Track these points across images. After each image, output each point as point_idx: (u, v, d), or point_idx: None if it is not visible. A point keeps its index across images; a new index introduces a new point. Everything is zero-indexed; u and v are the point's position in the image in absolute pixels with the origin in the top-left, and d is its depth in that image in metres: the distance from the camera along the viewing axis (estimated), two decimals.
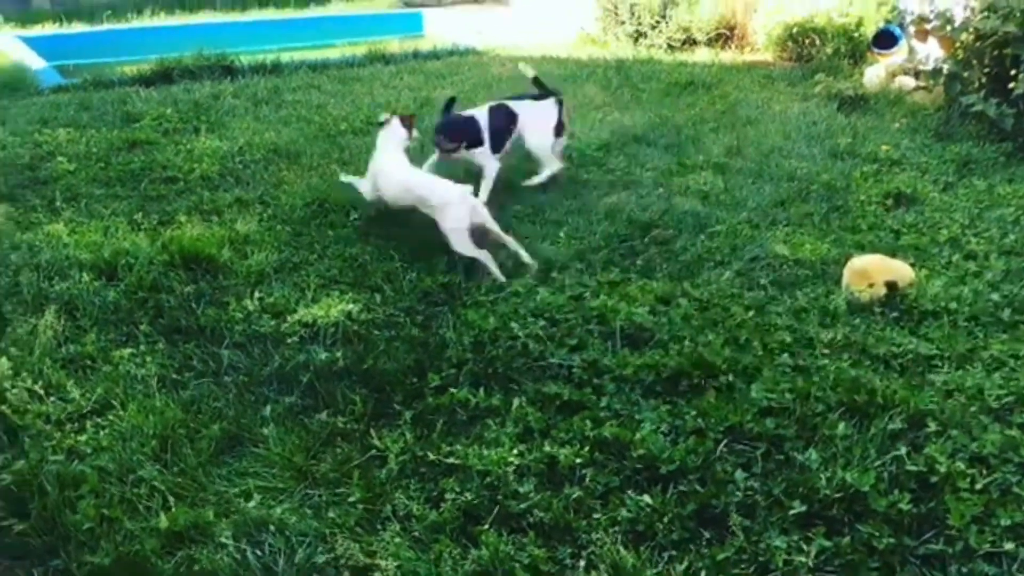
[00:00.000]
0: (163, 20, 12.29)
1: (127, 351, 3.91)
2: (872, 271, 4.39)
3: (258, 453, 3.30)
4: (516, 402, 3.54)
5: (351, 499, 3.04)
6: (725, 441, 3.27)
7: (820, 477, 3.03)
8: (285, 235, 5.17)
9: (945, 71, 7.10)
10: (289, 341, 4.02)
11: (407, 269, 4.73)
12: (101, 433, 3.35)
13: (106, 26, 11.84)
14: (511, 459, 3.18)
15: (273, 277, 4.64)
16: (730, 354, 3.85)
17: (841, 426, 3.34)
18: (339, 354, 3.89)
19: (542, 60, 9.96)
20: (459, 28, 12.40)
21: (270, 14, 12.86)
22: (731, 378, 3.70)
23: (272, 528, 2.91)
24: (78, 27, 11.76)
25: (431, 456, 3.21)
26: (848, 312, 4.26)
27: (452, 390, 3.64)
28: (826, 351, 3.91)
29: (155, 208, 5.55)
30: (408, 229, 5.19)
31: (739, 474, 3.11)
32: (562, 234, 5.18)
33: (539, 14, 12.45)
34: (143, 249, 4.83)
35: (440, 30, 12.76)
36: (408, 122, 5.34)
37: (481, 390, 3.64)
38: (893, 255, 4.78)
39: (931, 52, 7.46)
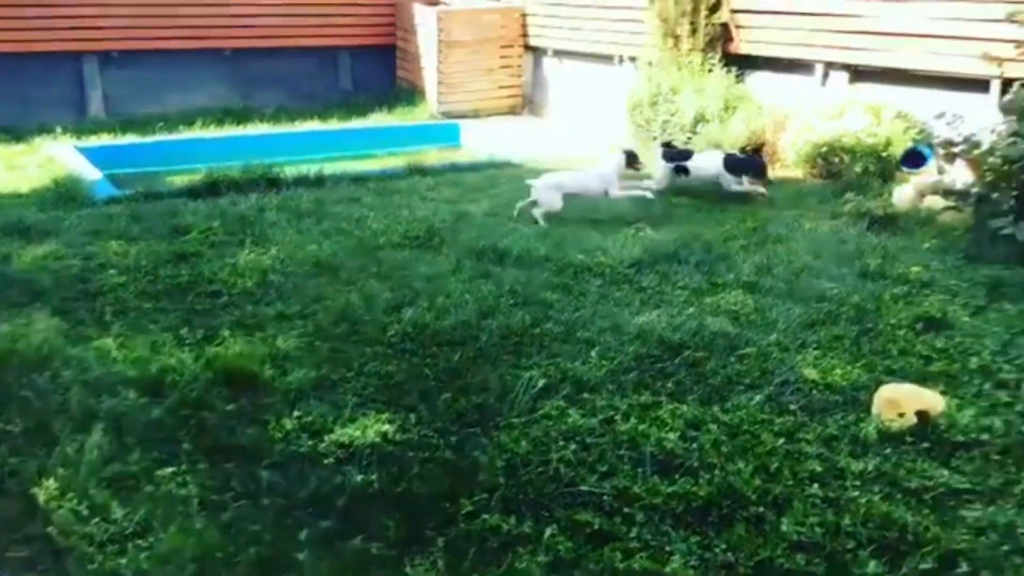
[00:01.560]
0: (213, 132, 12.81)
1: (169, 470, 4.02)
2: (902, 400, 4.43)
3: None
4: (548, 531, 3.59)
5: None
6: None
7: None
8: (324, 352, 5.31)
9: (973, 193, 7.21)
10: (326, 462, 4.11)
11: (441, 388, 4.84)
12: (141, 556, 3.43)
13: (158, 136, 12.36)
14: None
15: (311, 395, 4.76)
16: (760, 483, 3.89)
17: (872, 564, 3.35)
18: (374, 477, 3.97)
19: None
20: (495, 139, 12.78)
21: (315, 126, 13.36)
22: (761, 509, 3.73)
23: None
24: (132, 138, 12.28)
25: None
26: (879, 441, 4.28)
27: (484, 516, 3.69)
28: (857, 483, 3.93)
29: (200, 322, 5.73)
30: (444, 348, 5.33)
31: None
32: (594, 354, 5.27)
33: (573, 127, 12.82)
34: (188, 366, 4.99)
35: (476, 141, 13.16)
36: (633, 157, 8.70)
37: (513, 517, 3.69)
38: (923, 382, 4.81)
39: (958, 174, 7.59)
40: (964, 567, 3.30)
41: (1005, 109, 7.23)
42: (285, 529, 3.63)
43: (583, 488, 3.88)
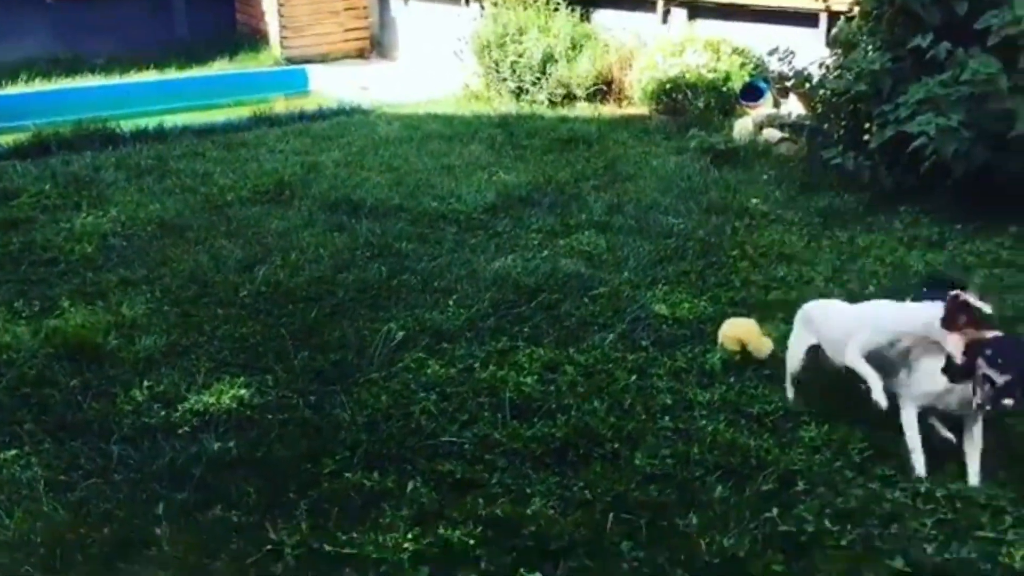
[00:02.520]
0: (39, 85, 12.02)
1: (11, 453, 3.84)
2: (742, 335, 4.64)
3: (151, 555, 3.28)
4: (411, 484, 3.63)
5: None
6: (612, 512, 3.43)
7: (700, 543, 3.21)
8: (173, 317, 5.14)
9: (806, 125, 7.55)
10: (180, 432, 4.02)
11: (298, 347, 4.78)
12: None
13: None
14: (406, 545, 3.26)
15: (162, 363, 4.62)
16: (615, 421, 4.04)
17: (719, 489, 3.54)
18: (232, 443, 3.90)
19: (428, 118, 10.14)
20: (345, 84, 12.50)
21: (151, 76, 12.70)
22: (616, 445, 3.88)
23: None
24: None
25: (327, 547, 3.26)
26: (723, 371, 4.49)
27: (347, 474, 3.70)
28: (704, 412, 4.13)
29: (36, 293, 5.44)
30: (299, 305, 5.25)
31: (626, 544, 3.27)
32: (451, 302, 5.30)
33: (424, 70, 12.65)
34: (25, 341, 4.75)
35: (326, 86, 12.83)
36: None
37: (375, 472, 3.71)
38: (764, 310, 5.07)
39: (792, 107, 7.92)
40: (801, 485, 3.54)
41: (831, 43, 7.57)
42: (140, 504, 3.54)
43: (444, 439, 3.94)
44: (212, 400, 4.24)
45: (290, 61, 13.77)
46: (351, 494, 3.59)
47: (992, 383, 3.31)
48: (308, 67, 13.65)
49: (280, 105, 11.08)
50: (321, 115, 10.42)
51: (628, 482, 3.59)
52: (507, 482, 3.64)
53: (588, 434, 3.93)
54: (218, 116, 10.44)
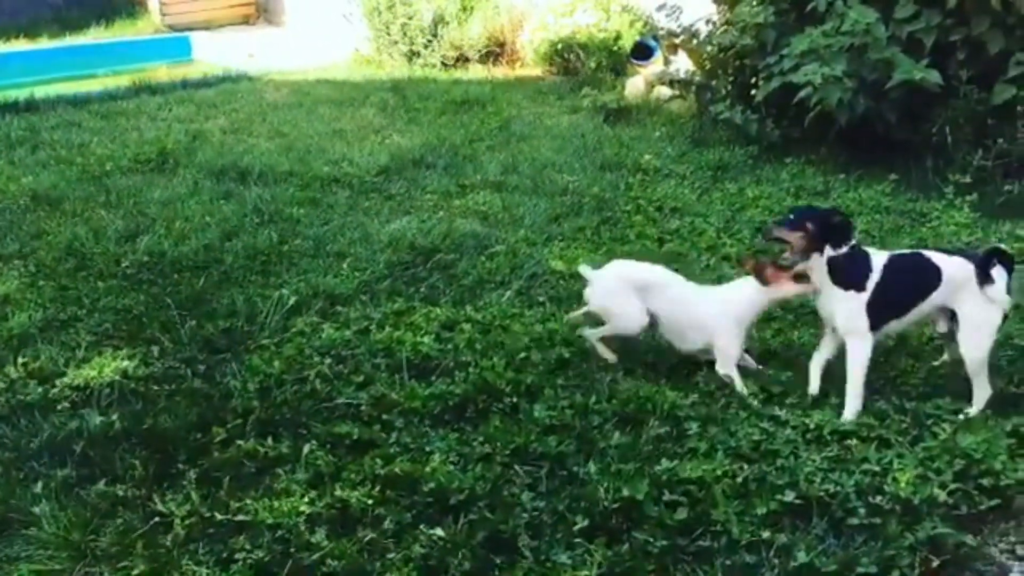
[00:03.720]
0: None
1: None
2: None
3: (30, 535, 3.12)
4: (306, 448, 3.54)
5: (135, 572, 2.94)
6: (512, 464, 3.41)
7: (599, 490, 3.22)
8: (49, 291, 4.89)
9: (695, 82, 7.64)
10: (59, 408, 3.82)
11: (185, 317, 4.60)
12: None
13: None
14: (302, 508, 3.18)
15: (38, 339, 4.39)
16: (513, 375, 4.01)
17: (616, 436, 3.56)
18: (115, 417, 3.74)
19: (318, 83, 9.90)
20: (230, 52, 12.08)
21: (21, 45, 12.04)
22: (515, 399, 3.86)
23: None
24: None
25: (219, 516, 3.15)
26: None
27: (239, 442, 3.58)
28: (601, 363, 4.14)
29: None
30: (185, 274, 5.06)
31: (526, 495, 3.26)
32: (345, 266, 5.19)
33: (313, 35, 12.34)
34: None
35: (210, 54, 12.38)
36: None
37: (269, 439, 3.61)
38: (659, 262, 5.11)
39: (681, 64, 8.00)
40: (695, 428, 3.59)
41: None
42: (17, 484, 3.36)
43: (340, 401, 3.85)
44: (93, 374, 4.05)
45: (172, 28, 13.25)
46: (244, 461, 3.48)
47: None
48: (191, 35, 13.16)
49: (163, 74, 10.66)
50: (206, 83, 10.05)
51: (527, 434, 3.57)
52: (405, 441, 3.59)
53: (487, 390, 3.90)
54: (95, 86, 9.96)
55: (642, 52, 9.23)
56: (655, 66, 8.98)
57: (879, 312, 3.67)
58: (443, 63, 10.21)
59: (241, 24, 13.93)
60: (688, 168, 6.72)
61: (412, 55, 10.43)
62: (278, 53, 11.61)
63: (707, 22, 7.52)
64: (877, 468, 3.35)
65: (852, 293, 3.65)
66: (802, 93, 6.21)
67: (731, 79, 7.27)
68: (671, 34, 7.73)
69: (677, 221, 5.79)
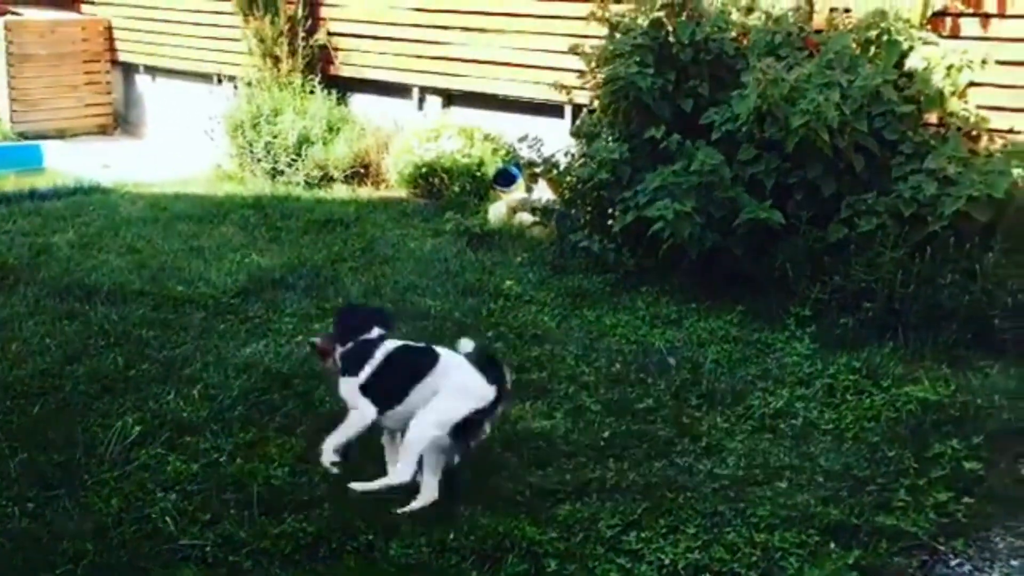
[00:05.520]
0: None
1: None
2: None
3: None
4: None
5: None
6: None
7: None
8: None
9: (555, 210, 7.88)
10: None
11: (17, 449, 4.30)
12: None
13: None
14: None
15: None
16: (370, 511, 3.90)
17: (474, 574, 3.49)
18: None
19: (176, 197, 9.70)
20: (85, 162, 11.73)
21: None
22: (371, 537, 3.74)
23: None
24: None
25: None
26: (482, 452, 4.48)
27: None
28: (463, 493, 4.09)
29: None
30: (19, 401, 4.75)
31: None
32: (196, 392, 5.00)
33: (173, 148, 12.16)
34: None
35: (63, 164, 11.98)
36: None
37: None
38: (521, 390, 5.15)
39: (543, 192, 8.25)
40: (552, 565, 3.56)
41: (575, 133, 7.99)
42: None
43: (183, 542, 3.64)
44: None
45: (22, 136, 12.80)
46: None
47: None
48: (43, 143, 12.74)
49: (10, 183, 10.23)
50: (56, 194, 9.68)
51: (383, 574, 3.46)
52: None
53: (342, 527, 3.78)
54: None
55: (505, 179, 9.48)
56: (518, 192, 9.23)
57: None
58: (307, 182, 10.19)
59: (98, 134, 13.60)
60: (548, 294, 6.86)
61: (275, 173, 10.38)
62: (135, 165, 11.35)
63: (566, 154, 7.82)
64: None
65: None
66: (656, 227, 6.49)
67: (589, 209, 7.53)
68: (532, 164, 7.99)
69: (537, 348, 5.86)
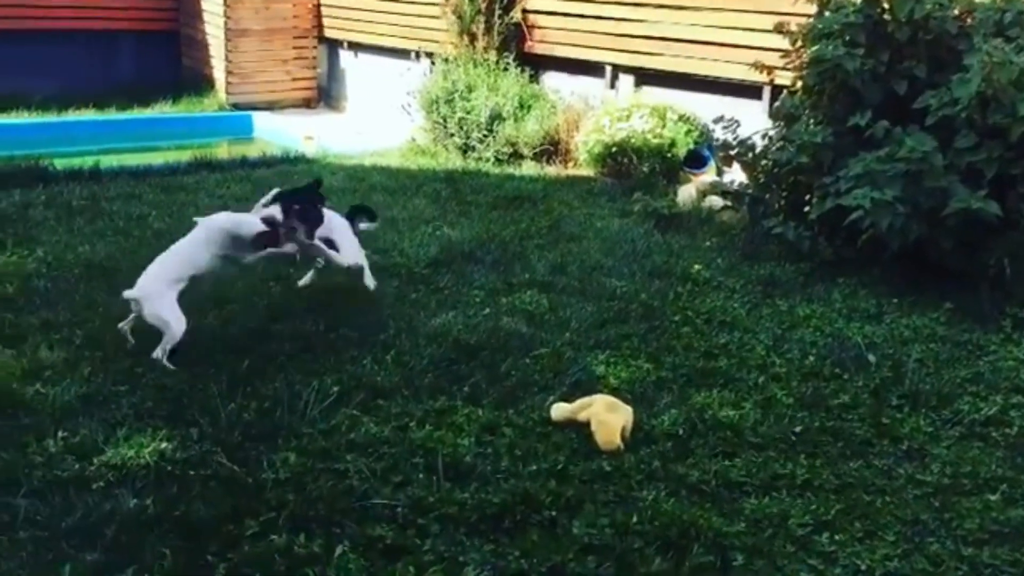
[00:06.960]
0: None
1: None
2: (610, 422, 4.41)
3: None
4: (339, 549, 3.46)
5: None
6: None
7: None
8: (96, 364, 4.91)
9: (748, 194, 7.64)
10: (95, 487, 3.79)
11: (226, 399, 4.58)
12: None
13: None
14: None
15: (80, 412, 4.39)
16: (553, 487, 3.92)
17: (657, 561, 3.44)
18: (149, 500, 3.70)
19: (372, 170, 10.06)
20: (290, 133, 12.39)
21: (90, 114, 12.45)
22: (554, 513, 3.76)
23: None
24: None
25: None
26: (664, 436, 4.42)
27: (271, 536, 3.52)
28: (641, 479, 4.03)
29: None
30: (229, 355, 5.06)
31: None
32: (389, 358, 5.16)
33: (372, 122, 12.63)
34: None
35: (270, 134, 12.71)
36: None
37: (302, 535, 3.54)
38: (707, 377, 5.05)
39: (735, 176, 8.02)
40: (740, 558, 3.46)
41: (774, 115, 7.70)
42: (45, 566, 3.31)
43: (376, 501, 3.78)
44: (131, 454, 4.03)
45: (236, 107, 13.64)
46: (275, 557, 3.40)
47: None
48: (253, 114, 13.54)
49: (223, 151, 10.92)
50: (264, 162, 10.27)
51: (565, 552, 3.47)
52: (440, 549, 3.50)
53: (525, 500, 3.81)
54: (157, 159, 10.22)
55: (696, 161, 9.29)
56: (708, 175, 9.02)
57: None
58: (497, 158, 10.35)
59: (302, 107, 14.30)
60: (738, 281, 6.67)
61: (467, 148, 10.59)
62: (336, 137, 11.88)
63: (763, 136, 7.56)
64: None
65: None
66: (853, 215, 6.17)
67: (785, 195, 7.26)
68: (727, 146, 7.77)
69: (726, 336, 5.71)
